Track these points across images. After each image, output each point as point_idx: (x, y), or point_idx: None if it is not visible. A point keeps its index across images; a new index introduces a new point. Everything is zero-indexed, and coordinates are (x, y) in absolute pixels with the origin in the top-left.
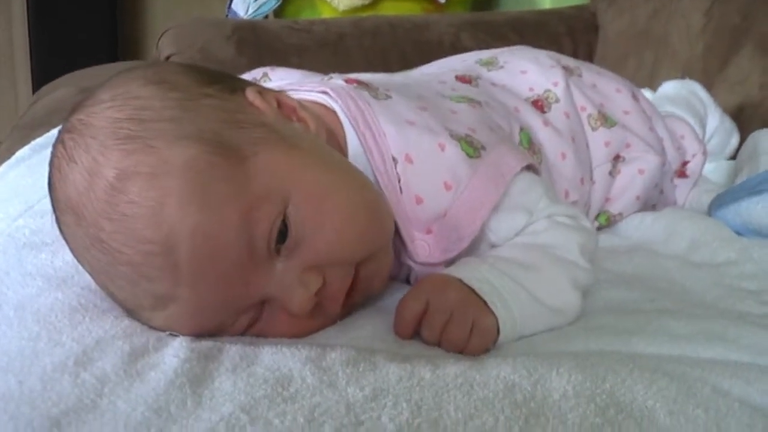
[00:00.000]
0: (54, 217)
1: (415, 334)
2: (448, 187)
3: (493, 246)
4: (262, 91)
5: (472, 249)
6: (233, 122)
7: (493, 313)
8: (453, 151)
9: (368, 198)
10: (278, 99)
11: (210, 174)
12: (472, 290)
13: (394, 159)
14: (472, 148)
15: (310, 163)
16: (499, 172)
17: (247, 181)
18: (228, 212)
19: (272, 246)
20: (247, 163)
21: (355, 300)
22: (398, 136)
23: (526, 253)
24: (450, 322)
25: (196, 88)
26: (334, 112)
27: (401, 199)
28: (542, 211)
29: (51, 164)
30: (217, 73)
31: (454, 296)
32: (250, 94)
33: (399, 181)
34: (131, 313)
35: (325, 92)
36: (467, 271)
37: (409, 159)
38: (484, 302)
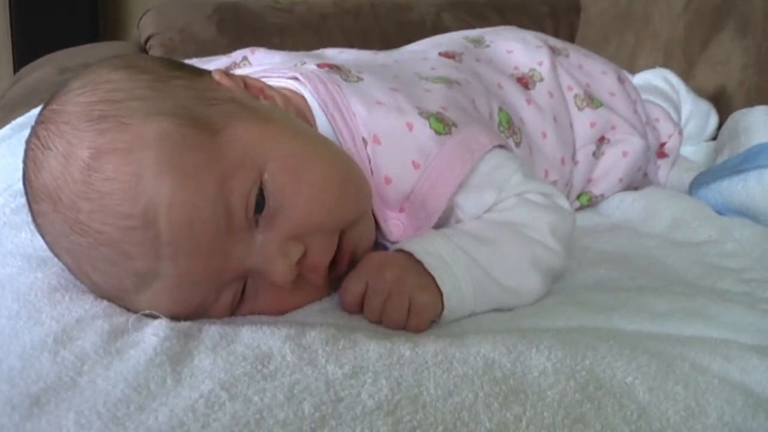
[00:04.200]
0: (29, 211)
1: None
2: (416, 166)
3: (459, 222)
4: (228, 73)
5: (443, 225)
6: (203, 99)
7: (433, 289)
8: (421, 130)
9: (342, 165)
10: (244, 80)
11: (183, 144)
12: (421, 264)
13: (364, 140)
14: (442, 124)
15: (283, 133)
16: (468, 149)
17: (221, 150)
18: (203, 180)
19: (250, 215)
20: (220, 134)
21: (339, 272)
22: (367, 116)
23: (487, 229)
24: (387, 303)
25: (165, 71)
26: (303, 97)
27: (372, 179)
28: (513, 188)
29: (26, 157)
30: (182, 63)
31: (389, 276)
32: (217, 75)
33: (369, 162)
34: (115, 300)
35: (294, 77)
36: (419, 244)
37: (377, 140)
38: (432, 276)
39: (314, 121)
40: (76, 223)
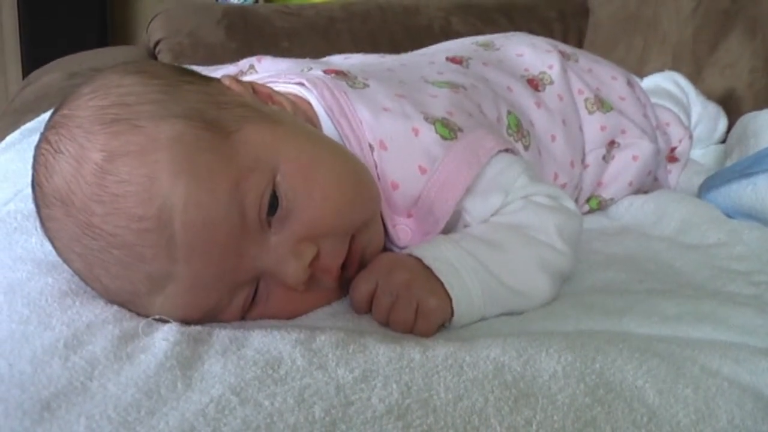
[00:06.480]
0: (38, 216)
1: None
2: (423, 171)
3: (467, 227)
4: (237, 79)
5: (451, 230)
6: (215, 102)
7: (441, 294)
8: (427, 134)
9: (353, 167)
10: (253, 86)
11: (197, 146)
12: (430, 270)
13: (370, 146)
14: (448, 129)
15: (294, 135)
16: (474, 153)
17: (234, 152)
18: (217, 182)
19: (263, 216)
20: (233, 136)
21: (349, 274)
22: (374, 122)
23: (495, 232)
24: (395, 304)
25: (175, 76)
26: (310, 103)
27: (379, 185)
28: (520, 190)
29: (35, 162)
30: (191, 69)
31: (399, 278)
32: (226, 80)
33: (376, 168)
34: (126, 304)
35: (300, 83)
36: (428, 250)
37: (383, 146)
38: (441, 282)
39: (320, 127)
40: (88, 227)
